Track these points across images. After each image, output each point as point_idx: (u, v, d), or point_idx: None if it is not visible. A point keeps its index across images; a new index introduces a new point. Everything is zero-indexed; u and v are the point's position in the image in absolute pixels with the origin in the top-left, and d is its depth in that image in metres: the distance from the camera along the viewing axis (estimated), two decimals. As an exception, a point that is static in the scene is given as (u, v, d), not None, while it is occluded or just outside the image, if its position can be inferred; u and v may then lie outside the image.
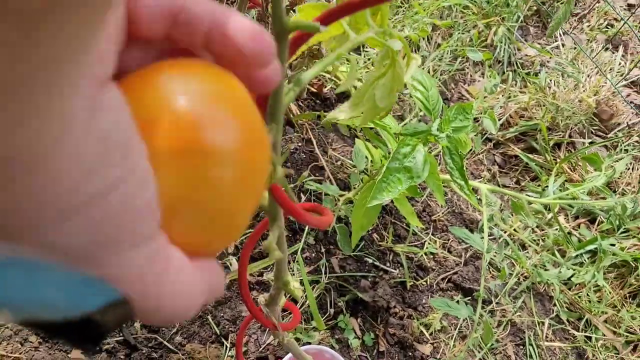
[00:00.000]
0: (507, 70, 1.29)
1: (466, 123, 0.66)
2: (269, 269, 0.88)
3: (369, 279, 0.94)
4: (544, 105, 1.25)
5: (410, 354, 0.91)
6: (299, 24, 0.28)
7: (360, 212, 0.71)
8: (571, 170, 1.21)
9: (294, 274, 0.88)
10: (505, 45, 1.30)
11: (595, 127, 1.30)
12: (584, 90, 1.28)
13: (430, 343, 0.93)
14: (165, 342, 0.80)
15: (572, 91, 1.27)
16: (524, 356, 0.96)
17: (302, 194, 0.95)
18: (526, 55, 1.39)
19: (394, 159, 0.63)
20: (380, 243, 0.98)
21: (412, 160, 0.63)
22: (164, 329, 0.82)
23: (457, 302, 0.95)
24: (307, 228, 0.91)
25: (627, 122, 1.31)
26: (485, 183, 0.98)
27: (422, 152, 0.64)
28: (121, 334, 0.79)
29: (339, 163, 1.01)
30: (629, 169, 1.22)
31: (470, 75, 1.27)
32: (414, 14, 1.19)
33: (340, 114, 0.44)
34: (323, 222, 0.41)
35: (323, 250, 0.93)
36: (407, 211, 0.78)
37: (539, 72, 1.32)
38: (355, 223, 0.73)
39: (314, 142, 1.00)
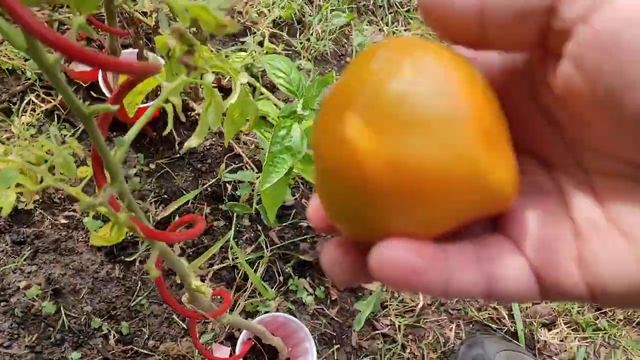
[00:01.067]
0: (388, 13, 1.36)
1: (330, 93, 0.74)
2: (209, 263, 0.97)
3: (308, 241, 1.04)
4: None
5: (360, 293, 1.02)
6: (96, 109, 0.36)
7: (267, 191, 0.79)
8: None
9: (236, 258, 0.97)
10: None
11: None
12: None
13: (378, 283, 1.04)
14: (140, 350, 0.90)
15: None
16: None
17: (227, 185, 1.04)
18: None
19: (274, 143, 0.72)
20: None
21: (291, 139, 0.72)
22: (136, 338, 0.91)
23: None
24: (234, 215, 1.00)
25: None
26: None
27: (297, 130, 0.72)
28: (99, 354, 0.88)
29: (253, 146, 1.09)
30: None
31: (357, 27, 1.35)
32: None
33: (192, 141, 0.52)
34: (192, 234, 0.49)
35: (260, 228, 1.03)
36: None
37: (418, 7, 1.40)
38: (266, 201, 0.82)
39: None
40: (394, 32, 1.30)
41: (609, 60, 0.18)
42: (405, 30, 1.33)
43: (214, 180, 1.04)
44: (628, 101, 0.18)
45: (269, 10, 1.22)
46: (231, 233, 0.97)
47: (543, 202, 0.24)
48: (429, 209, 0.21)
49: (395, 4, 1.35)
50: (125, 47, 1.04)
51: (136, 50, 0.88)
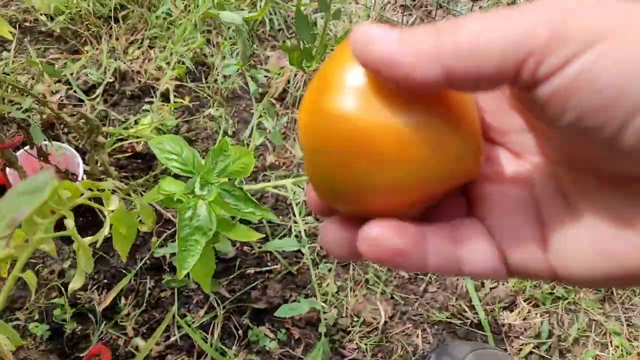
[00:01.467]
0: (289, 36, 1.35)
1: (228, 160, 0.73)
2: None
3: (259, 287, 1.04)
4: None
5: (317, 325, 1.02)
6: None
7: (195, 269, 0.78)
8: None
9: (190, 325, 0.96)
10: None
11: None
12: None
13: (335, 307, 1.04)
14: None
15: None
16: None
17: (165, 254, 1.02)
18: None
19: (182, 227, 0.70)
20: (253, 251, 1.07)
21: (199, 218, 0.71)
22: None
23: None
24: (175, 290, 0.99)
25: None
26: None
27: (203, 206, 0.71)
28: None
29: (182, 207, 1.07)
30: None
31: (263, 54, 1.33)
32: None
33: (75, 283, 0.51)
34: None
35: (208, 287, 1.02)
36: (243, 236, 0.85)
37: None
38: (196, 276, 0.81)
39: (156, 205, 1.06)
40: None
41: (567, 113, 0.21)
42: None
43: (150, 252, 1.02)
44: (590, 139, 0.21)
45: (167, 63, 1.20)
46: (174, 308, 0.96)
47: (513, 189, 0.27)
48: (398, 171, 0.23)
49: (293, 26, 1.34)
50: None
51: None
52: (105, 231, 0.50)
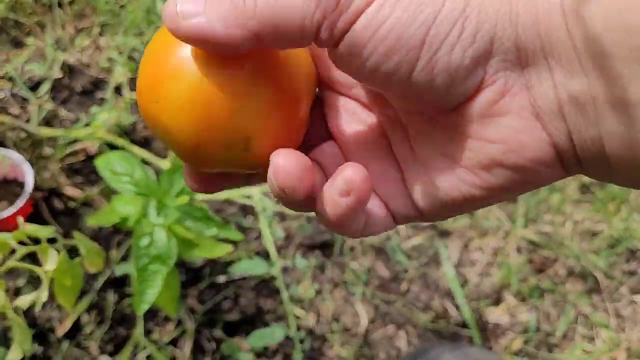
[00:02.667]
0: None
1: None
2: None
3: (230, 296, 0.97)
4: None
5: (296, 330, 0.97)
6: None
7: (158, 296, 0.71)
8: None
9: (156, 342, 0.90)
10: None
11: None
12: None
13: (313, 312, 0.99)
14: None
15: None
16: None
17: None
18: None
19: (139, 257, 0.63)
20: (222, 260, 1.00)
21: (157, 246, 0.64)
22: None
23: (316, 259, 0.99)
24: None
25: None
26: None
27: (161, 232, 0.64)
28: None
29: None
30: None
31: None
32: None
33: (12, 355, 0.44)
34: None
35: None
36: (208, 252, 0.78)
37: None
38: (160, 303, 0.74)
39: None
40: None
41: (364, 64, 0.24)
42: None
43: (111, 268, 0.95)
44: (393, 84, 0.25)
45: (120, 53, 1.10)
46: (141, 328, 0.89)
47: (372, 141, 0.30)
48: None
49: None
50: None
51: None
52: (43, 295, 0.43)
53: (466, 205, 0.27)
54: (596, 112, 0.22)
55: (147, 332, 0.92)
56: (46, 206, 0.98)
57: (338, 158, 0.31)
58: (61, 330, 0.89)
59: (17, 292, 0.96)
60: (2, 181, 0.96)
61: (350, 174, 0.25)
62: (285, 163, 0.25)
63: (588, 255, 1.05)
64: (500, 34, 0.23)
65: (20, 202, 0.90)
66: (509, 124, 0.24)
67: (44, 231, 0.47)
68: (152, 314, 0.93)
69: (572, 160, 0.24)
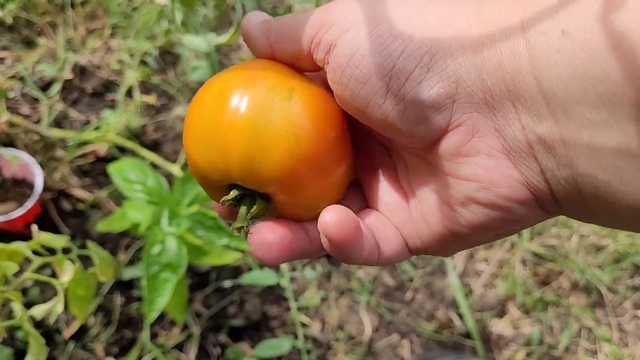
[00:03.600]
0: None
1: (198, 187, 0.66)
2: None
3: (236, 301, 0.98)
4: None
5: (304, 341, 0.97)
6: None
7: (168, 304, 0.71)
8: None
9: (161, 346, 0.90)
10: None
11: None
12: None
13: (319, 320, 0.99)
14: None
15: None
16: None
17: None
18: None
19: (150, 264, 0.64)
20: (229, 265, 1.00)
21: (168, 255, 0.64)
22: None
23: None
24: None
25: None
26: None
27: (173, 241, 0.65)
28: None
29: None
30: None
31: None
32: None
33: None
34: None
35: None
36: (217, 259, 0.79)
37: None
38: (169, 310, 0.74)
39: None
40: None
41: (345, 90, 0.26)
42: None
43: (119, 270, 0.95)
44: (370, 113, 0.26)
45: (131, 55, 1.10)
46: (147, 334, 0.90)
47: (385, 174, 0.31)
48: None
49: (267, 10, 1.24)
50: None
51: None
52: (58, 307, 0.43)
53: (457, 242, 0.28)
54: (567, 155, 0.22)
55: (153, 336, 0.92)
56: (54, 207, 0.98)
57: (356, 188, 0.33)
58: (68, 332, 0.90)
59: (23, 292, 0.96)
60: (11, 181, 0.96)
61: (325, 218, 0.26)
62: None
63: (593, 269, 1.05)
64: (465, 77, 0.24)
65: (30, 204, 0.90)
66: (480, 162, 0.25)
67: (58, 241, 0.48)
68: (158, 318, 0.94)
69: (549, 199, 0.24)
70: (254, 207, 0.28)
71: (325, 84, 0.29)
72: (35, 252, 0.48)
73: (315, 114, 0.27)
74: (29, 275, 0.42)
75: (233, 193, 0.28)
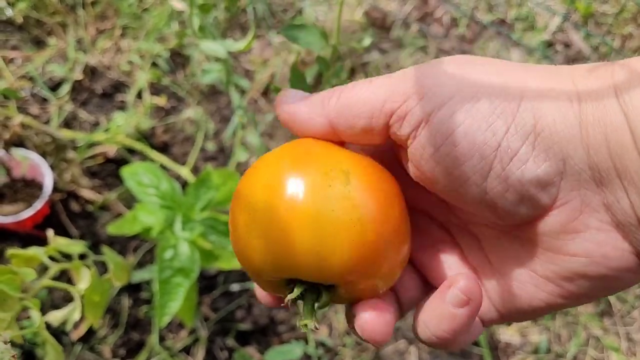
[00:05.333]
0: (271, 25, 1.25)
1: (212, 192, 0.66)
2: None
3: (244, 305, 0.97)
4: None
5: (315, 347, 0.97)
6: None
7: (181, 308, 0.71)
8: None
9: (168, 349, 0.90)
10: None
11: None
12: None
13: (326, 325, 0.99)
14: None
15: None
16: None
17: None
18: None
19: (162, 269, 0.63)
20: (237, 269, 1.00)
21: (180, 259, 0.64)
22: None
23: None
24: (153, 325, 0.92)
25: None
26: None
27: (185, 245, 0.64)
28: None
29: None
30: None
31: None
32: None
33: None
34: None
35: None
36: (228, 263, 0.78)
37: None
38: (178, 314, 0.74)
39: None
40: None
41: (436, 167, 0.25)
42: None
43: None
44: (465, 191, 0.25)
45: (141, 57, 1.10)
46: (156, 336, 0.89)
47: (450, 258, 0.31)
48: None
49: (278, 13, 1.25)
50: None
51: None
52: (76, 314, 0.43)
53: (547, 310, 0.27)
54: None
55: (161, 339, 0.92)
56: (63, 208, 0.98)
57: (410, 270, 0.32)
58: (76, 334, 0.90)
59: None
60: (21, 181, 0.96)
61: (465, 283, 0.25)
62: (372, 318, 0.27)
63: (601, 277, 1.05)
64: (572, 154, 0.23)
65: (39, 205, 0.90)
66: (590, 238, 0.24)
67: (75, 247, 0.47)
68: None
69: None
70: (322, 299, 0.27)
71: (376, 154, 0.28)
72: (50, 258, 0.48)
73: (376, 194, 0.25)
74: (47, 283, 0.42)
75: (298, 290, 0.26)
